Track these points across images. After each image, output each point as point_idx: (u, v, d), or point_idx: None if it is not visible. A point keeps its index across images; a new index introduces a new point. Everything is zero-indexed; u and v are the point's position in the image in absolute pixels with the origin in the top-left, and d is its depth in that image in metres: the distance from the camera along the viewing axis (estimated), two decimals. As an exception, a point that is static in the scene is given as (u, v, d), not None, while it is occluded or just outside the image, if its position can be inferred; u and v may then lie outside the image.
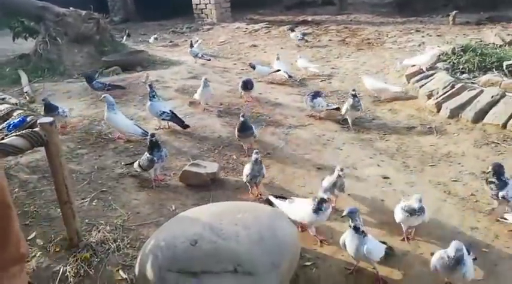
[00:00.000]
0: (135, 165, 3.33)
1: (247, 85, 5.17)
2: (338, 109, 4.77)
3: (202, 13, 12.43)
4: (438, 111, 4.60)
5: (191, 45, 7.76)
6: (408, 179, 3.40)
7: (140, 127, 4.06)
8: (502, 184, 2.70)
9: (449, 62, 5.57)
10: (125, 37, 9.68)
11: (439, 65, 5.57)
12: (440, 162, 3.67)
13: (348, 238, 2.31)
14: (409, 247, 2.61)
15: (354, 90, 4.44)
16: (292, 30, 9.17)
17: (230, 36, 10.11)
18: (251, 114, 4.97)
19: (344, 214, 2.31)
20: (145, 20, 12.67)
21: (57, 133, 2.30)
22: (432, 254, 2.46)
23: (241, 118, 3.75)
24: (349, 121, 4.44)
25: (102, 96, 4.20)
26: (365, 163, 3.71)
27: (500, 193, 2.70)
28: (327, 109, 4.74)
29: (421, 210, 2.57)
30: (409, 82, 5.35)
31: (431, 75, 5.18)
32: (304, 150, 4.02)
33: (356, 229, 2.27)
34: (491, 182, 2.76)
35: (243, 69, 6.92)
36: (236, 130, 3.81)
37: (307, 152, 3.97)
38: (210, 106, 5.05)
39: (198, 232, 2.11)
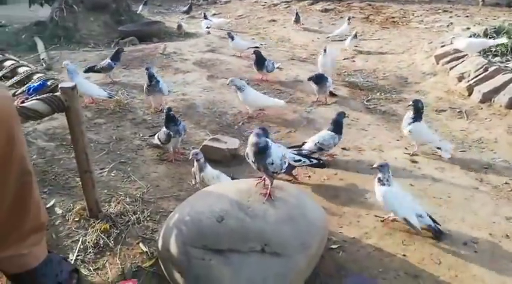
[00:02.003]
0: (155, 138, 3.23)
1: (259, 63, 4.88)
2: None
3: (219, -15, 12.06)
4: (469, 94, 4.38)
5: (205, 17, 7.55)
6: (438, 164, 3.25)
7: (106, 91, 4.11)
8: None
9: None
10: (141, 7, 9.45)
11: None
12: (471, 148, 3.50)
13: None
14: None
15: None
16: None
17: (248, 10, 9.81)
18: (270, 90, 4.82)
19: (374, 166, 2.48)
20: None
21: (78, 99, 2.17)
22: (465, 244, 2.36)
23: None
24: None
25: (64, 63, 4.04)
26: (391, 146, 3.56)
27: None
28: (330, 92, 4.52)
29: None
30: (438, 64, 5.10)
31: (462, 57, 4.92)
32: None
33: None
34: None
35: (262, 44, 6.69)
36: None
37: (331, 132, 3.82)
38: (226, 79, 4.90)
39: (225, 208, 2.01)
